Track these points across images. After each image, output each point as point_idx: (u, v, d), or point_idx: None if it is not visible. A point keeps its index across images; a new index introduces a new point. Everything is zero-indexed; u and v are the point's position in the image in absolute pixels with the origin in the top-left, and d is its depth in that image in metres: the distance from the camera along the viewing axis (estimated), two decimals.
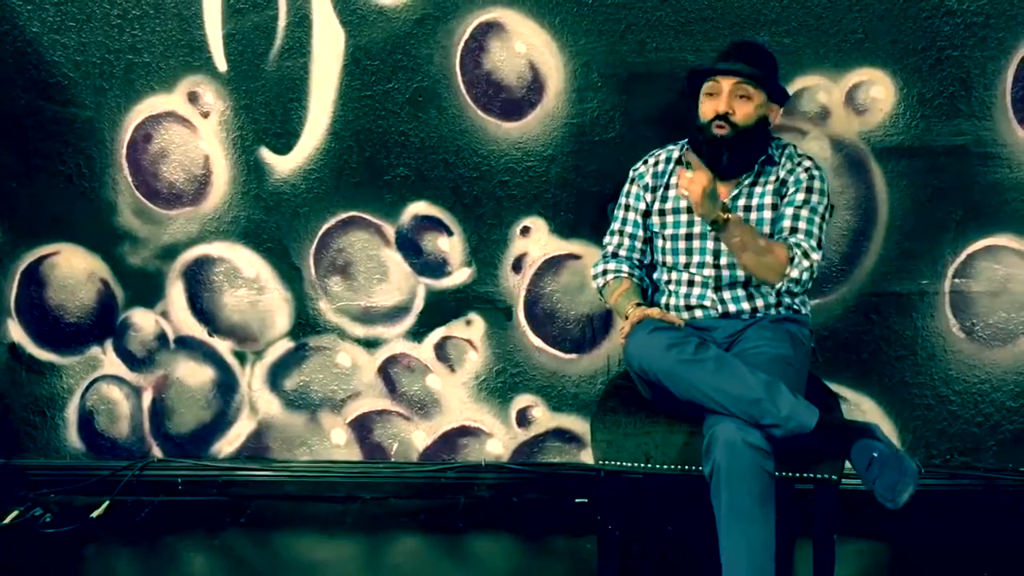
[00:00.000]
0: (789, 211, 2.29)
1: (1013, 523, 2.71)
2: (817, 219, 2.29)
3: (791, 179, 2.32)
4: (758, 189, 2.35)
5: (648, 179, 2.45)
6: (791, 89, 2.59)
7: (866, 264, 2.71)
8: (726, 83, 2.27)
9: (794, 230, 2.26)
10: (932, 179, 2.65)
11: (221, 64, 2.78)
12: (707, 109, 2.31)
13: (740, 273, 2.34)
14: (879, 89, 2.61)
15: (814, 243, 2.25)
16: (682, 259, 2.39)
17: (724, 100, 2.27)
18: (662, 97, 2.66)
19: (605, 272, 2.48)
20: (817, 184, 2.31)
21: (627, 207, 2.48)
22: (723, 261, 2.35)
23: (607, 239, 2.52)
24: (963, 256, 2.69)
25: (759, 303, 2.36)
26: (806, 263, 2.22)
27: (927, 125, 2.62)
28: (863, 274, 2.72)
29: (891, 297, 2.72)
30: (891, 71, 2.60)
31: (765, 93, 2.30)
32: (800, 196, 2.30)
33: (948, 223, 2.67)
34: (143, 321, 2.99)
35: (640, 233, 2.47)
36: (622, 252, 2.48)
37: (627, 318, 2.31)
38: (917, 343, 2.75)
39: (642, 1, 2.62)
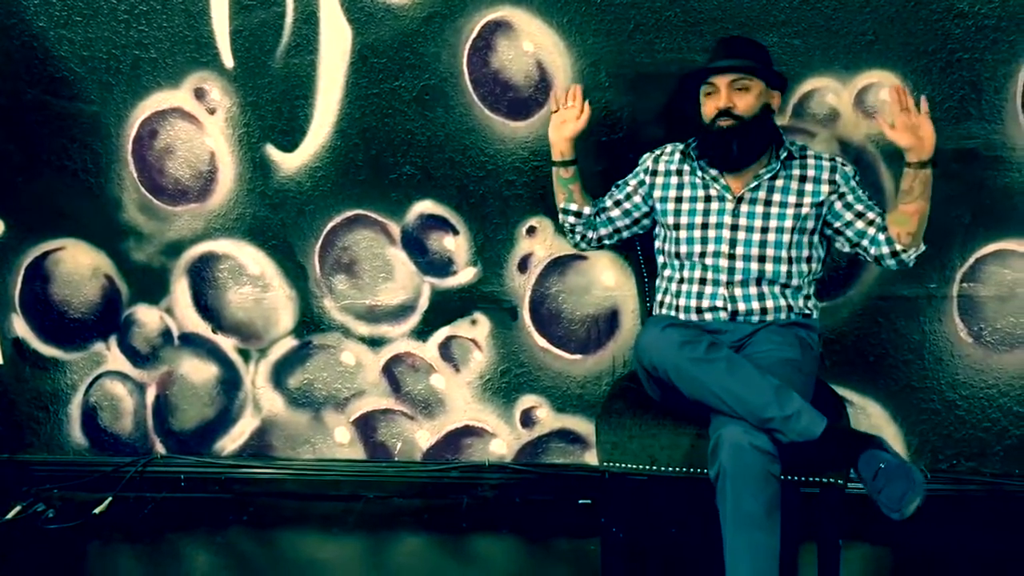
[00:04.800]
0: (861, 207, 2.34)
1: (1019, 529, 2.69)
2: None
3: (838, 176, 2.35)
4: (779, 183, 2.36)
5: (649, 163, 2.51)
6: (800, 91, 2.59)
7: (873, 267, 2.69)
8: (721, 81, 2.30)
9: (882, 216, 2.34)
10: (941, 183, 2.59)
11: (228, 60, 2.77)
12: (709, 108, 2.33)
13: (753, 267, 2.34)
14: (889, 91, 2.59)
15: None
16: (696, 248, 2.39)
17: (723, 96, 2.29)
18: (670, 97, 2.64)
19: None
20: (858, 178, 2.40)
21: (627, 183, 2.55)
22: (738, 251, 2.35)
23: None
24: (971, 260, 2.68)
25: (769, 303, 2.35)
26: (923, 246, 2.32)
27: (936, 128, 2.58)
28: (870, 277, 2.71)
29: (899, 301, 2.71)
30: (901, 73, 2.58)
31: (763, 81, 2.31)
32: (861, 192, 2.37)
33: (957, 227, 2.66)
34: (147, 317, 2.99)
35: (621, 203, 2.54)
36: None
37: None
38: (924, 347, 2.74)
39: (651, 1, 2.60)
